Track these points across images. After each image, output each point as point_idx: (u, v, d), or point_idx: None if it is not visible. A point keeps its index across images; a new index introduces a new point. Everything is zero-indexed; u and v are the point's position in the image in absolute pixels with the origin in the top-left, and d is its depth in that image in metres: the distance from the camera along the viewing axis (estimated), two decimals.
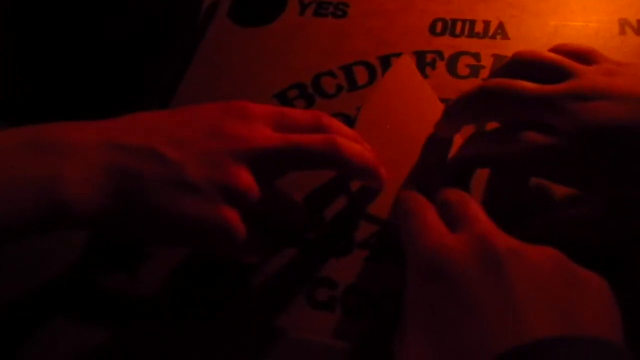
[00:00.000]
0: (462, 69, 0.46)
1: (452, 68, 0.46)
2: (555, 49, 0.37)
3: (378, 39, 0.48)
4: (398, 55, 0.47)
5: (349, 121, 0.44)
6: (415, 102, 0.44)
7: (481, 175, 0.39)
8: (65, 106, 0.47)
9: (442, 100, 0.44)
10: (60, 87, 0.49)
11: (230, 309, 0.37)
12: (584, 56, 0.36)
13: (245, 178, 0.32)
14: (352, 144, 0.36)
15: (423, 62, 0.47)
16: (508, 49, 0.46)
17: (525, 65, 0.36)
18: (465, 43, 0.47)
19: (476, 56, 0.46)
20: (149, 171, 0.31)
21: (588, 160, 0.31)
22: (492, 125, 0.40)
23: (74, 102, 0.48)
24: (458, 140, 0.41)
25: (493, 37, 0.47)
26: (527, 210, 0.37)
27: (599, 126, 0.31)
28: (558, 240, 0.28)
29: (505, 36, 0.47)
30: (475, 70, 0.46)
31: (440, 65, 0.46)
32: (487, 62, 0.46)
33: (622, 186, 0.32)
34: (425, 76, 0.46)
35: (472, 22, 0.48)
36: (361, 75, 0.47)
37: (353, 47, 0.48)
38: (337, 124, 0.37)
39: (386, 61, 0.47)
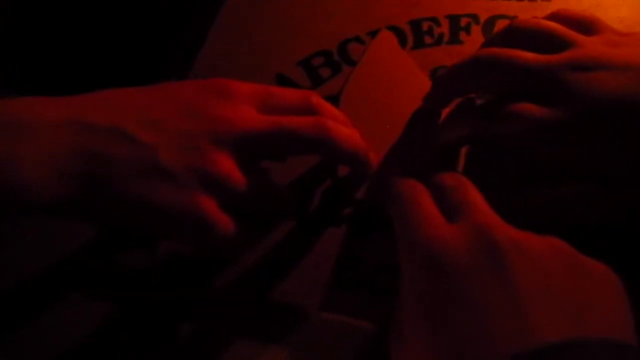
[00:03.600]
0: None
1: (488, 33, 0.43)
2: (555, 17, 0.35)
3: (408, 2, 0.46)
4: (430, 19, 0.44)
5: None
6: (400, 78, 0.41)
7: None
8: (82, 76, 0.45)
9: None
10: (77, 58, 0.48)
11: (251, 288, 0.35)
12: (586, 25, 0.34)
13: (226, 163, 0.30)
14: (343, 127, 0.33)
15: (457, 26, 0.44)
16: (550, 11, 0.42)
17: (522, 35, 0.34)
18: (502, 5, 0.44)
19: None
20: (117, 154, 0.29)
21: (587, 134, 0.30)
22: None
23: (90, 72, 0.46)
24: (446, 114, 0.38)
25: None
26: (518, 189, 0.34)
27: (599, 98, 0.29)
28: (552, 221, 0.27)
29: None
30: None
31: (476, 30, 0.44)
32: None
33: (621, 162, 0.30)
34: (459, 42, 0.43)
35: None
36: None
37: (382, 12, 0.46)
38: (327, 106, 0.35)
39: (417, 26, 0.44)
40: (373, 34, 0.44)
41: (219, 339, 0.33)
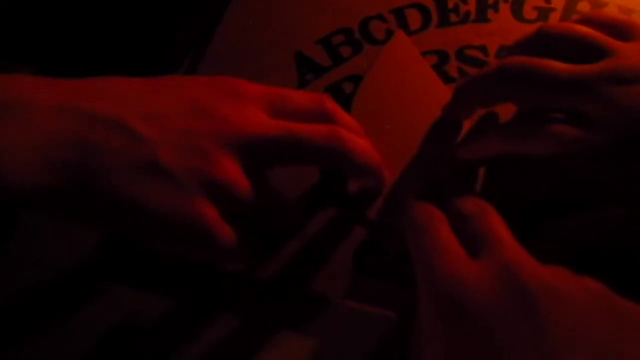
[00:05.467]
0: (530, 12, 0.41)
1: (517, 11, 0.41)
2: (588, 21, 0.32)
3: None
4: None
5: None
6: (416, 84, 0.39)
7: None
8: (95, 54, 0.44)
9: (504, 48, 0.40)
10: (90, 35, 0.47)
11: (274, 274, 0.34)
12: (623, 30, 0.30)
13: (232, 169, 0.28)
14: (358, 138, 0.31)
15: (484, 4, 0.42)
16: None
17: (553, 41, 0.31)
18: None
19: None
20: (114, 147, 0.26)
21: (628, 156, 0.27)
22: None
23: (102, 49, 0.45)
24: (467, 126, 0.35)
25: None
26: (549, 214, 0.32)
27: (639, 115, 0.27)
28: (585, 248, 0.25)
29: None
30: (544, 14, 0.41)
31: (504, 8, 0.42)
32: (558, 3, 0.41)
33: None
34: (487, 21, 0.41)
35: None
36: (414, 19, 0.42)
37: None
38: (342, 113, 0.32)
39: (443, 3, 0.42)
40: (396, 12, 0.43)
41: (244, 327, 0.33)
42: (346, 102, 0.39)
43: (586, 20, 0.32)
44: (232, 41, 0.44)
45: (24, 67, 0.36)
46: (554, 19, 0.40)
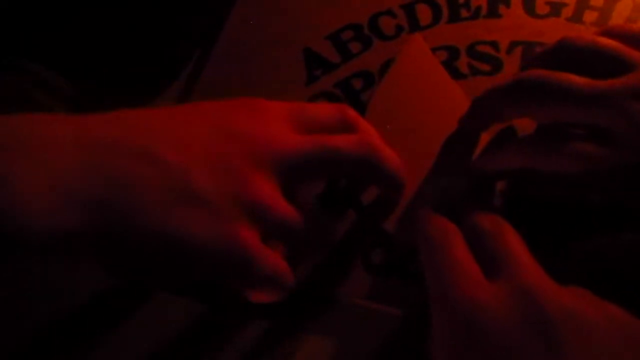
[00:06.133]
0: (541, 7, 0.41)
1: (529, 6, 0.41)
2: (609, 33, 0.30)
3: None
4: None
5: None
6: (432, 90, 0.38)
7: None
8: (96, 54, 0.44)
9: (517, 43, 0.39)
10: (90, 35, 0.47)
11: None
12: None
13: (269, 189, 0.26)
14: (387, 147, 0.30)
15: None
16: None
17: (573, 54, 0.30)
18: None
19: None
20: (142, 178, 0.24)
21: None
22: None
23: (104, 49, 0.45)
24: (485, 138, 0.34)
25: None
26: (570, 235, 0.31)
27: None
28: (599, 269, 0.25)
29: None
30: (556, 9, 0.40)
31: (516, 3, 0.41)
32: None
33: None
34: (498, 16, 0.41)
35: None
36: (424, 14, 0.42)
37: None
38: (363, 121, 0.32)
39: None
40: (405, 7, 0.42)
41: (251, 327, 0.32)
42: (355, 98, 0.39)
43: (609, 32, 0.30)
44: (240, 37, 0.43)
45: (31, 64, 0.36)
46: (566, 14, 0.40)
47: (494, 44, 0.40)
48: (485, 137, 0.34)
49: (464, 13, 0.41)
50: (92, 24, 0.45)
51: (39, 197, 0.22)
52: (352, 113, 0.31)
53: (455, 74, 0.38)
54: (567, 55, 0.30)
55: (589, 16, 0.40)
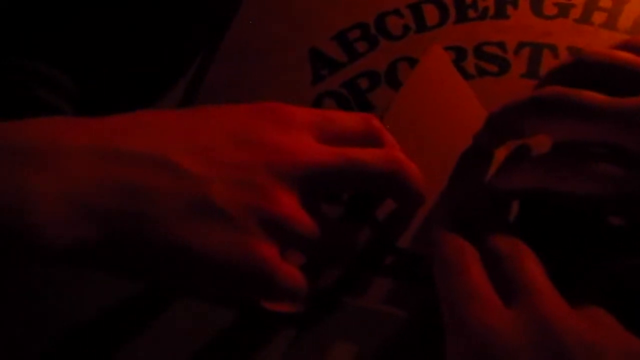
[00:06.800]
0: (549, 8, 0.40)
1: (537, 6, 0.40)
2: (629, 47, 0.29)
3: None
4: None
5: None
6: (451, 103, 0.37)
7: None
8: (98, 54, 0.44)
9: (525, 44, 0.39)
10: (92, 35, 0.47)
11: None
12: None
13: (290, 203, 0.26)
14: (411, 163, 0.30)
15: None
16: None
17: (591, 70, 0.28)
18: None
19: None
20: (159, 187, 0.24)
21: None
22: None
23: (106, 49, 0.45)
24: (501, 154, 0.33)
25: None
26: (590, 257, 0.30)
27: None
28: (618, 293, 0.24)
29: None
30: (564, 10, 0.40)
31: (523, 4, 0.41)
32: None
33: None
34: (505, 16, 0.40)
35: None
36: (431, 14, 0.41)
37: None
38: (387, 133, 0.31)
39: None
40: (412, 7, 0.42)
41: (254, 329, 0.32)
42: (361, 98, 0.39)
43: (628, 46, 0.29)
44: (246, 37, 0.43)
45: (35, 63, 0.35)
46: (574, 15, 0.40)
47: (502, 45, 0.39)
48: (502, 153, 0.33)
49: (471, 13, 0.41)
50: (96, 24, 0.45)
51: (55, 208, 0.22)
52: (377, 124, 0.31)
53: (462, 75, 0.38)
54: (585, 71, 0.29)
55: (598, 17, 0.39)
